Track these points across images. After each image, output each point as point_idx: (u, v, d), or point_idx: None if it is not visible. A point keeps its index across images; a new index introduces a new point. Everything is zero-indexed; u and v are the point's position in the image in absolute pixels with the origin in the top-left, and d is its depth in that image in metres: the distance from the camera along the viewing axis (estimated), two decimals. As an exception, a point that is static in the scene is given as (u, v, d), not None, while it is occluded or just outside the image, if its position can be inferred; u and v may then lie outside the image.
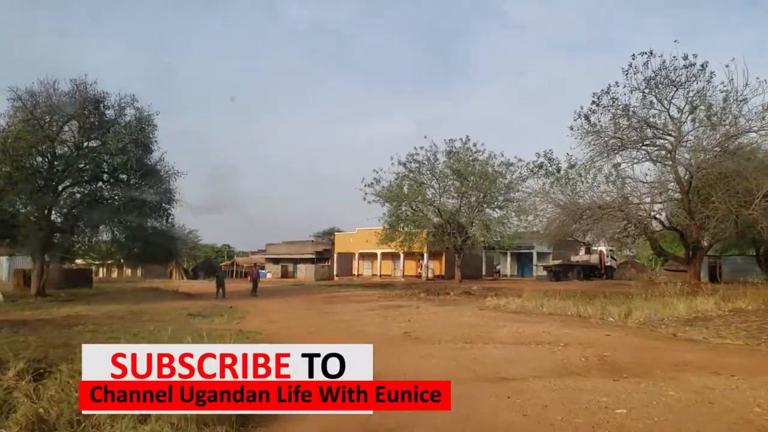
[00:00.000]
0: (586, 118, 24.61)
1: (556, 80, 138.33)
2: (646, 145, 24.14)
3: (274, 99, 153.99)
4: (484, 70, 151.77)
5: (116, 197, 24.12)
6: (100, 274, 74.25)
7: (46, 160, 23.24)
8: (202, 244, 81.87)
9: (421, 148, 38.85)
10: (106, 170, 24.02)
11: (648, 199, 24.70)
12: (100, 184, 24.89)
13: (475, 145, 38.65)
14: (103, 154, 23.18)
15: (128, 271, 76.14)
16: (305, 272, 55.33)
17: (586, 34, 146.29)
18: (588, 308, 14.40)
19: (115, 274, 76.66)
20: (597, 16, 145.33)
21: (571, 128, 24.75)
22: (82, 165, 23.43)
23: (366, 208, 48.21)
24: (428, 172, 39.42)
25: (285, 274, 57.50)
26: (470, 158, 38.65)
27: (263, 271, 53.25)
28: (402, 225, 39.75)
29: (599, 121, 24.71)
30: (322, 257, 56.67)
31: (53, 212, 24.49)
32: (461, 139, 38.62)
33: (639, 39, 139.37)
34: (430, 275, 47.83)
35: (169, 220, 26.99)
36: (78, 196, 24.62)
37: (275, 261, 59.41)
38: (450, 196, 40.52)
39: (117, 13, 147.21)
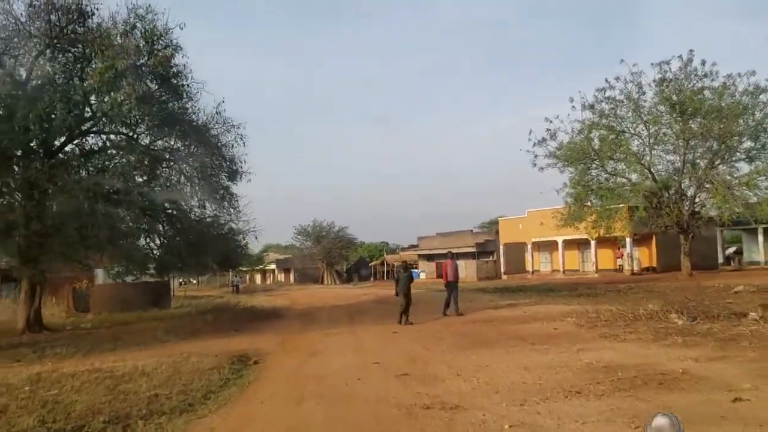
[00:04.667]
0: None
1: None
2: None
3: (427, 93, 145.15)
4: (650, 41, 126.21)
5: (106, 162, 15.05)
6: (257, 281, 70.84)
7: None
8: (359, 243, 74.63)
9: (617, 79, 25.81)
10: (88, 117, 14.77)
11: None
12: (87, 139, 15.94)
13: (703, 64, 24.74)
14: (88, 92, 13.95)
15: (280, 276, 71.26)
16: (465, 270, 44.56)
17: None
18: None
19: (269, 281, 72.29)
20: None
21: None
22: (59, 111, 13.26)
23: (538, 180, 35.96)
24: (631, 113, 26.21)
25: (441, 274, 47.27)
26: (695, 86, 24.87)
27: (416, 270, 43.47)
28: (593, 197, 27.18)
29: None
30: (484, 251, 45.55)
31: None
32: (680, 57, 24.86)
33: None
34: (636, 268, 34.32)
35: (232, 203, 17.74)
36: (38, 164, 13.68)
37: (429, 258, 49.53)
38: (665, 150, 26.95)
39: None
